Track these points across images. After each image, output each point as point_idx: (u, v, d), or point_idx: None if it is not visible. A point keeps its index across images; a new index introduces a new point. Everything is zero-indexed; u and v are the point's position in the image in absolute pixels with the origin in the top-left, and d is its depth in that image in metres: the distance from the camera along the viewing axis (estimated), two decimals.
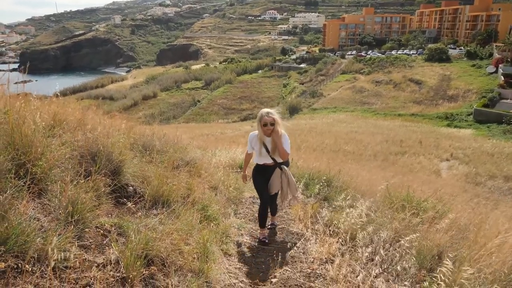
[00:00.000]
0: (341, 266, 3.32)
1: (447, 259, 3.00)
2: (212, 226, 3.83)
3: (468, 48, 66.73)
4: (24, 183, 2.35)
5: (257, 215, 4.83)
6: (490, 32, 73.16)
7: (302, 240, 4.30)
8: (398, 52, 76.01)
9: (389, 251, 3.56)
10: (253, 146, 4.47)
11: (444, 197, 6.20)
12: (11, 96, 3.62)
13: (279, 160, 4.38)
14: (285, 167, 4.40)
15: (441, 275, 2.90)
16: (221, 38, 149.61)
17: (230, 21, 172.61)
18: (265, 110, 4.26)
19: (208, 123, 50.13)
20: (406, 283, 3.17)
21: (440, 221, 4.36)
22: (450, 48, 72.23)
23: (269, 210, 4.70)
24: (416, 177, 14.82)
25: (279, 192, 4.51)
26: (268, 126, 4.17)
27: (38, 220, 2.28)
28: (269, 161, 4.38)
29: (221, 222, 4.30)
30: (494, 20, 78.56)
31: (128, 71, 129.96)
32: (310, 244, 4.07)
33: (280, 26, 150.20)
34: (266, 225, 4.68)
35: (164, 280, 2.54)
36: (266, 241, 4.45)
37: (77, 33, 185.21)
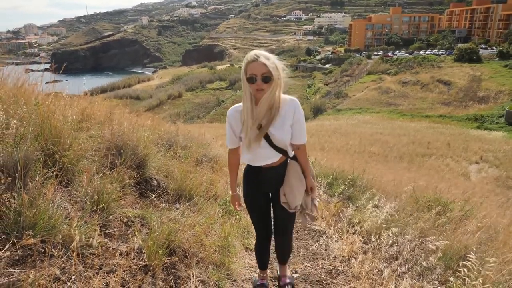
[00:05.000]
0: (364, 264, 3.27)
1: (471, 253, 2.89)
2: (234, 221, 3.85)
3: (501, 48, 64.31)
4: (52, 172, 2.42)
5: None
6: None
7: (324, 237, 4.24)
8: (426, 52, 74.11)
9: (413, 251, 3.48)
10: (235, 133, 2.38)
11: (473, 199, 6.03)
12: (43, 94, 3.75)
13: (291, 152, 2.44)
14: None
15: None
16: (246, 39, 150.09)
17: (255, 22, 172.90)
18: (254, 51, 2.25)
19: None
20: (430, 282, 3.08)
21: (468, 222, 4.24)
22: (481, 48, 69.95)
23: (271, 246, 2.82)
24: (443, 179, 14.42)
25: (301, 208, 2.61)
26: (258, 83, 2.21)
27: (64, 208, 2.35)
28: (271, 158, 2.39)
29: (243, 217, 4.30)
30: None
31: (154, 71, 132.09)
32: (332, 241, 4.02)
33: (305, 26, 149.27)
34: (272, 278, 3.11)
35: (185, 270, 2.57)
36: None
37: (106, 34, 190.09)
